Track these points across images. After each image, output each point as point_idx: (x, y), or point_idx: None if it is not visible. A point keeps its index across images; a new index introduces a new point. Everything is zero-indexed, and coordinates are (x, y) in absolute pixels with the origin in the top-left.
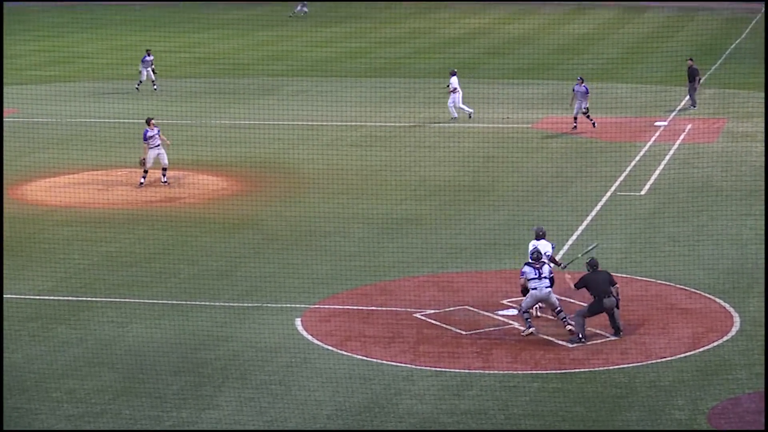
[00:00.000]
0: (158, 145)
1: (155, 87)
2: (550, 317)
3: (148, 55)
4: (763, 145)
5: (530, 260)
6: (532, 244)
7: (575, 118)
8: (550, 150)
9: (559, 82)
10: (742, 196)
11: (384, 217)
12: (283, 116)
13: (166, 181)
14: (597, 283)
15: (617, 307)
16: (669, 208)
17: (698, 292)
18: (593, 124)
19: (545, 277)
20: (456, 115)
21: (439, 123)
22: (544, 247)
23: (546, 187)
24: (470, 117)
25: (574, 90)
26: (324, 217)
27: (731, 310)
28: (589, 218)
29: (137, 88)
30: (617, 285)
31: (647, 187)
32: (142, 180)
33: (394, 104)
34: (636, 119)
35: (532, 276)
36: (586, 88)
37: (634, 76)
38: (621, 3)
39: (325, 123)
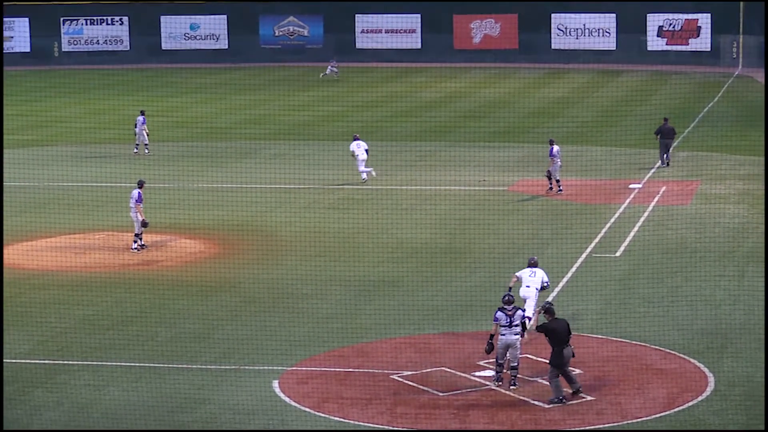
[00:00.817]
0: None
1: (145, 150)
2: (527, 378)
3: (142, 116)
4: (735, 207)
5: (503, 305)
6: (527, 271)
7: (557, 181)
8: (525, 212)
9: (535, 145)
10: (715, 257)
11: (361, 279)
12: (260, 179)
13: (136, 248)
14: (558, 332)
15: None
16: (644, 270)
17: (673, 352)
18: (551, 188)
19: (516, 324)
20: (365, 177)
21: (416, 186)
22: (539, 274)
23: (522, 249)
24: (365, 179)
25: (552, 153)
26: (302, 279)
27: (705, 370)
28: (565, 280)
29: (136, 152)
30: (571, 335)
31: (622, 248)
32: (141, 243)
33: (371, 167)
34: (611, 182)
35: (504, 323)
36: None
37: (608, 139)
38: (596, 66)
39: (302, 186)
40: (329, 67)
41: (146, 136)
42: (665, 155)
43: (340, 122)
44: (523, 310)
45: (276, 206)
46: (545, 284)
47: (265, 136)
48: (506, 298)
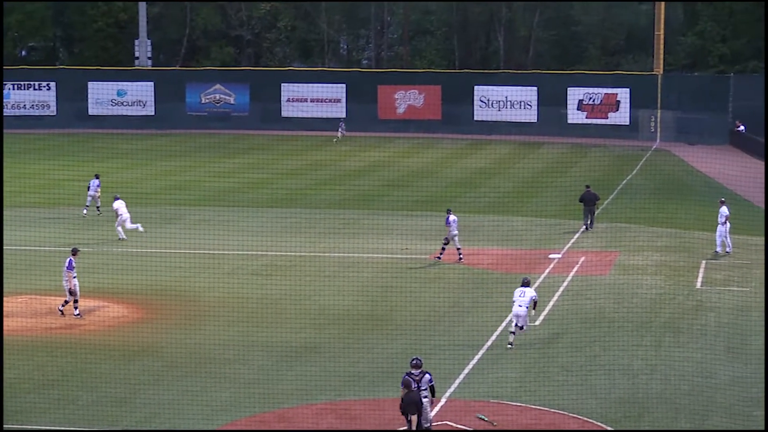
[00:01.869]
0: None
1: (96, 211)
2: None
3: (96, 179)
4: (652, 278)
5: (411, 371)
6: (517, 291)
7: (458, 249)
8: (447, 280)
9: (456, 215)
10: (633, 327)
11: (284, 345)
12: (184, 245)
13: (62, 311)
14: (408, 405)
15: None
16: (563, 339)
17: (591, 421)
18: (440, 257)
19: (424, 389)
20: (124, 237)
21: (340, 253)
22: (528, 293)
23: (443, 317)
24: (123, 238)
25: (449, 221)
26: (224, 344)
27: None
28: (485, 348)
29: (86, 212)
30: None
31: (542, 317)
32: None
33: (295, 234)
34: (531, 251)
35: (412, 388)
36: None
37: (529, 209)
38: (517, 138)
39: (226, 252)
40: (339, 131)
41: (98, 199)
42: (589, 221)
43: (265, 189)
44: (430, 374)
45: (199, 271)
46: (534, 300)
47: (189, 202)
48: (414, 362)
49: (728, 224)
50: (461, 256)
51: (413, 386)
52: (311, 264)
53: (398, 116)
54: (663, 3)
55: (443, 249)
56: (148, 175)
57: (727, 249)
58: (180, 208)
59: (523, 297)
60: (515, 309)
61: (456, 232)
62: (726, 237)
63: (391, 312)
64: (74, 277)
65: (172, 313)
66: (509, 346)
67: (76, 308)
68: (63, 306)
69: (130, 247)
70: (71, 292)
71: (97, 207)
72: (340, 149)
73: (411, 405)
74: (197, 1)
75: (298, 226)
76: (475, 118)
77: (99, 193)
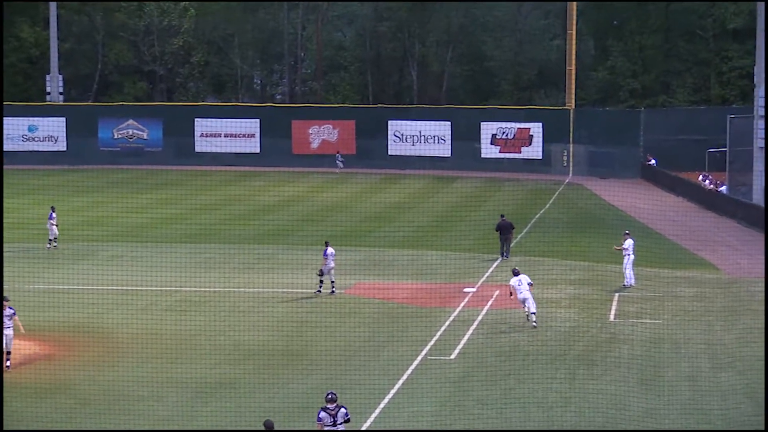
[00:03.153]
0: (9, 327)
1: (53, 244)
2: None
3: (52, 212)
4: (566, 310)
5: (327, 405)
6: (514, 280)
7: (332, 282)
8: (362, 315)
9: (372, 249)
10: (547, 360)
11: (198, 381)
12: (97, 281)
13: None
14: None
15: None
16: (478, 372)
17: None
18: (320, 290)
19: (340, 423)
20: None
21: (254, 288)
22: (524, 279)
23: (358, 351)
24: None
25: (327, 254)
26: (138, 381)
27: None
28: (401, 381)
29: (49, 247)
30: None
31: (457, 351)
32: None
33: (209, 269)
34: (446, 285)
35: (328, 423)
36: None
37: (443, 243)
38: (431, 172)
39: (140, 288)
40: (337, 162)
41: (56, 231)
42: (505, 249)
43: (179, 225)
44: (345, 408)
45: (113, 307)
46: (529, 282)
47: (102, 238)
48: (329, 396)
49: (632, 256)
50: (334, 289)
51: (329, 421)
52: (226, 299)
53: (312, 151)
54: (573, 40)
55: (321, 282)
56: (60, 211)
57: (626, 282)
58: (93, 244)
59: (521, 285)
60: (522, 295)
61: (333, 265)
62: (629, 269)
63: (306, 347)
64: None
65: (85, 350)
66: (534, 324)
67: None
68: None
69: (41, 283)
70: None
71: (54, 239)
72: (255, 184)
73: None
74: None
75: (212, 261)
76: (390, 153)
77: (56, 224)
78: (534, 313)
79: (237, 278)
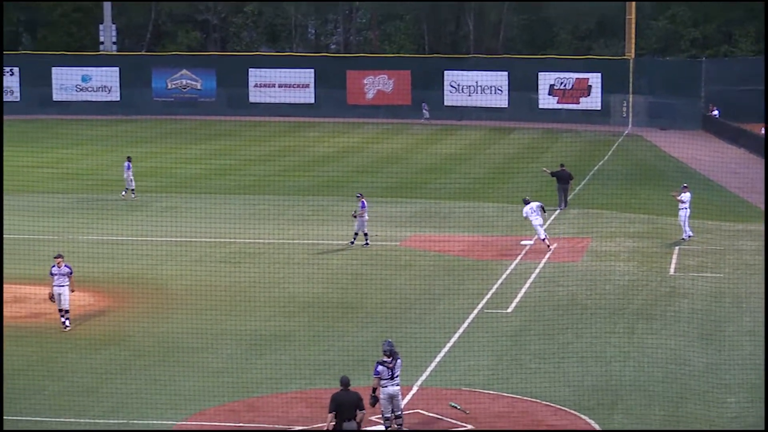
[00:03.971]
0: (65, 285)
1: (132, 195)
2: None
3: (128, 161)
4: (625, 264)
5: (384, 358)
6: (526, 209)
7: (365, 235)
8: (418, 267)
9: (427, 201)
10: (606, 314)
11: (253, 333)
12: (151, 232)
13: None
14: (344, 405)
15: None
16: (535, 326)
17: (564, 408)
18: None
19: (397, 375)
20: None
21: (309, 240)
22: (536, 204)
23: (414, 305)
24: None
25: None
26: (192, 333)
27: (596, 426)
28: (457, 335)
29: (124, 195)
30: (364, 411)
31: (514, 304)
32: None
33: (263, 221)
34: (502, 238)
35: (386, 376)
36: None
37: (500, 195)
38: (488, 123)
39: (193, 239)
40: (423, 111)
41: (132, 182)
42: (563, 200)
43: (233, 176)
44: (401, 359)
45: (167, 259)
46: (541, 206)
47: (155, 189)
48: (387, 348)
49: (689, 210)
50: (368, 241)
51: (387, 375)
52: (280, 251)
53: (367, 102)
54: None
55: (356, 235)
56: (113, 161)
57: (684, 235)
58: (146, 195)
59: (533, 212)
60: (537, 221)
61: (366, 217)
62: (685, 222)
63: (362, 299)
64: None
65: (139, 301)
66: (550, 247)
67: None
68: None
69: (96, 234)
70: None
71: (132, 189)
72: (309, 135)
73: (387, 399)
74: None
75: (266, 212)
76: (446, 103)
77: (132, 176)
78: (545, 239)
79: (291, 230)
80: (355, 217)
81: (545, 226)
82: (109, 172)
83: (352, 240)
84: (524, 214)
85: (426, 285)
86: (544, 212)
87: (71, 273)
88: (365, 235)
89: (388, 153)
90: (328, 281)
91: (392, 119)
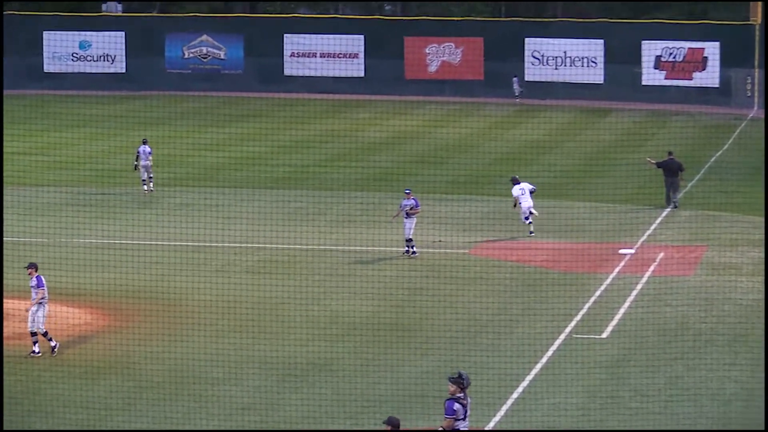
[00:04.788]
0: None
1: (150, 186)
2: None
3: (144, 145)
4: (749, 279)
5: (457, 394)
6: (517, 189)
7: (409, 240)
8: (491, 281)
9: (503, 199)
10: (725, 341)
11: (286, 361)
12: (163, 235)
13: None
14: None
15: None
16: (636, 355)
17: None
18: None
19: (469, 416)
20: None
21: (356, 246)
22: (528, 187)
23: (485, 327)
24: None
25: (401, 206)
26: (212, 360)
27: None
28: (539, 366)
29: (147, 188)
30: None
31: (610, 328)
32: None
33: (300, 222)
34: (596, 245)
35: (461, 416)
36: (416, 201)
37: (594, 192)
38: (578, 103)
39: (214, 244)
40: (514, 86)
41: (150, 171)
42: (672, 196)
43: (263, 166)
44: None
45: (182, 268)
46: (532, 189)
47: (168, 182)
48: (461, 380)
49: None
50: (415, 250)
51: (462, 414)
52: (321, 260)
53: (429, 76)
54: None
55: (409, 241)
56: (117, 147)
57: None
58: (158, 189)
59: (524, 193)
60: (527, 203)
61: (414, 219)
62: None
63: (421, 321)
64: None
65: (148, 320)
66: (531, 233)
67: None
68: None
69: (95, 237)
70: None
71: (150, 179)
72: (358, 117)
73: None
74: None
75: (304, 211)
76: (527, 79)
77: (151, 162)
78: (530, 222)
79: (335, 233)
80: (407, 216)
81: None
82: (111, 160)
83: (409, 248)
84: (514, 194)
85: (501, 303)
86: (531, 194)
87: (40, 286)
88: (408, 241)
89: (455, 139)
90: (380, 297)
91: (460, 98)
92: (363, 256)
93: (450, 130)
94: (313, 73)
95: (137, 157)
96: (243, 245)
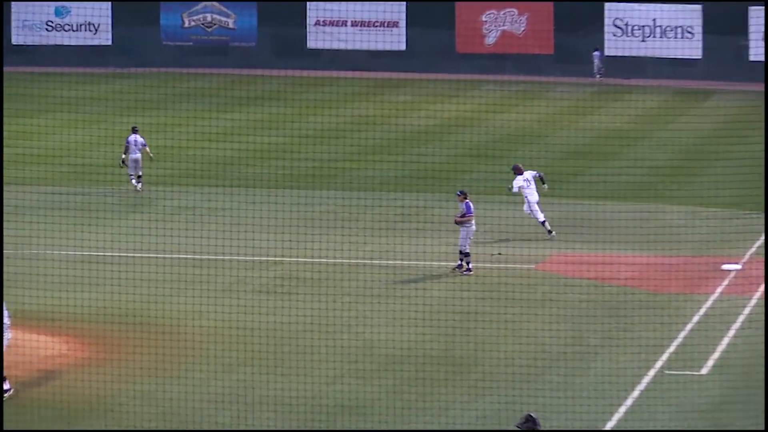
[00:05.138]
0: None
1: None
2: None
3: (135, 134)
4: None
5: None
6: (521, 179)
7: (464, 256)
8: (562, 304)
9: (577, 201)
10: None
11: (309, 402)
12: (156, 246)
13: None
14: None
15: None
16: (742, 395)
17: None
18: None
19: None
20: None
21: (396, 260)
22: (530, 174)
23: (556, 362)
24: None
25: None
26: (216, 401)
27: None
28: (622, 410)
29: (138, 185)
30: None
31: (710, 363)
32: None
33: (327, 230)
34: (693, 259)
35: None
36: (468, 206)
37: (691, 195)
38: (671, 83)
39: (220, 257)
40: (594, 61)
41: (140, 165)
42: None
43: (281, 160)
44: None
45: (180, 286)
46: (538, 175)
47: (164, 179)
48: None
49: None
50: (470, 266)
51: None
52: (351, 276)
53: (487, 50)
54: None
55: (465, 255)
56: (101, 137)
57: None
58: (151, 189)
59: (530, 184)
60: (535, 197)
61: (473, 227)
62: None
63: (476, 353)
64: None
65: (138, 351)
66: (551, 233)
67: None
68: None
69: (73, 249)
70: None
71: (140, 176)
72: (397, 100)
73: None
74: None
75: (332, 217)
76: (607, 52)
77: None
78: (544, 222)
79: (369, 244)
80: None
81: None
82: (94, 153)
83: (462, 263)
84: (515, 188)
85: (575, 331)
86: (544, 184)
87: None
88: (465, 255)
89: (518, 128)
90: (425, 324)
91: (524, 76)
92: (404, 273)
93: (512, 116)
94: (342, 46)
95: (126, 149)
96: (256, 258)
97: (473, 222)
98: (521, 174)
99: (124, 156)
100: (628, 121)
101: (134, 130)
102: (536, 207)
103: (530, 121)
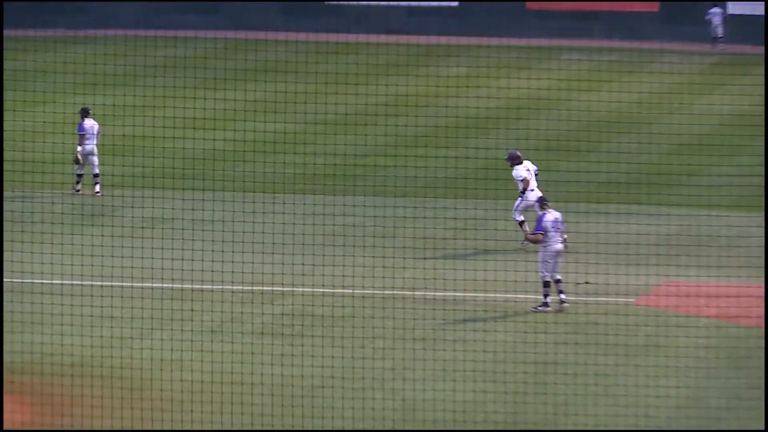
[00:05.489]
0: None
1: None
2: None
3: (86, 118)
4: None
5: None
6: (523, 170)
7: (548, 285)
8: (674, 351)
9: (693, 211)
10: None
11: None
12: (121, 270)
13: None
14: None
15: None
16: None
17: None
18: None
19: None
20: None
21: (444, 291)
22: (530, 165)
23: (667, 428)
24: None
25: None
26: None
27: None
28: None
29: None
30: None
31: None
32: None
33: (352, 250)
34: None
35: None
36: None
37: None
38: None
39: (207, 286)
40: (713, 22)
41: (96, 162)
42: None
43: (289, 155)
44: None
45: (154, 326)
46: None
47: (133, 181)
48: None
49: None
50: (563, 298)
51: None
52: (386, 314)
53: (568, 6)
54: None
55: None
56: (45, 123)
57: None
58: (116, 193)
59: (532, 178)
60: (559, 246)
61: (560, 247)
62: None
63: (556, 417)
64: None
65: (97, 414)
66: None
67: None
68: None
69: (10, 273)
70: None
71: (95, 176)
72: (447, 72)
73: None
74: None
75: (358, 232)
76: (730, 12)
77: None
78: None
79: (410, 268)
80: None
81: None
82: (35, 144)
83: (550, 298)
84: (517, 177)
85: (691, 389)
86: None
87: None
88: (556, 283)
89: (612, 111)
90: (486, 378)
91: (620, 42)
92: (458, 309)
93: (603, 95)
94: (373, 2)
95: (81, 138)
96: (255, 289)
97: (553, 241)
98: (520, 164)
99: (80, 148)
100: (758, 103)
101: (86, 113)
102: (536, 206)
103: (628, 102)
